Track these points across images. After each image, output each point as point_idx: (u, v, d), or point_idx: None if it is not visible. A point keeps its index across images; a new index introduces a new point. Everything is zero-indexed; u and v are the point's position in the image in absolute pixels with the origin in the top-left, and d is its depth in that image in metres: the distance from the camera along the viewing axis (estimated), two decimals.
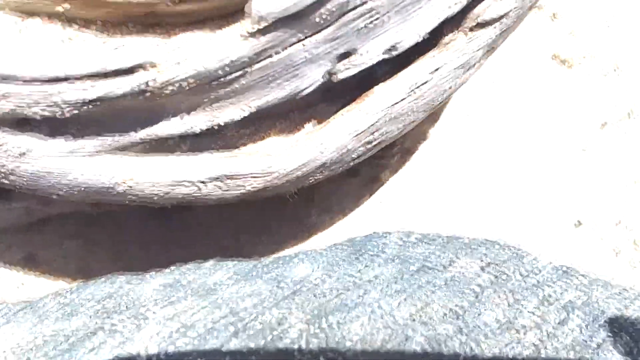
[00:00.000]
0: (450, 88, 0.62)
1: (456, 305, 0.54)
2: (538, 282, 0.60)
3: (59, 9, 0.51)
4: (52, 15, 0.52)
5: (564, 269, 0.64)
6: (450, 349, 0.47)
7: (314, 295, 0.52)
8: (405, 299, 0.53)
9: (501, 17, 0.55)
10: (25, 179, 0.54)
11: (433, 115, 1.05)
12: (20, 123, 0.50)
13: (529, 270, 0.61)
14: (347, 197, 0.98)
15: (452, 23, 0.57)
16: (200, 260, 0.69)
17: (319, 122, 0.62)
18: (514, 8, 0.55)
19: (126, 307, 0.55)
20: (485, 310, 0.54)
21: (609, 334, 0.55)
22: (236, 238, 0.94)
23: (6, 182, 0.56)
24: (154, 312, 0.52)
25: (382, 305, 0.51)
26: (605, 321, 0.57)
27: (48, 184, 0.55)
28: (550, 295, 0.58)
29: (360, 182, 0.98)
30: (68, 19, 0.52)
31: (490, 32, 0.57)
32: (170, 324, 0.49)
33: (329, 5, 0.47)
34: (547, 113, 1.03)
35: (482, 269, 0.61)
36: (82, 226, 0.94)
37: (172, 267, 0.66)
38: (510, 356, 0.50)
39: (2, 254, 0.91)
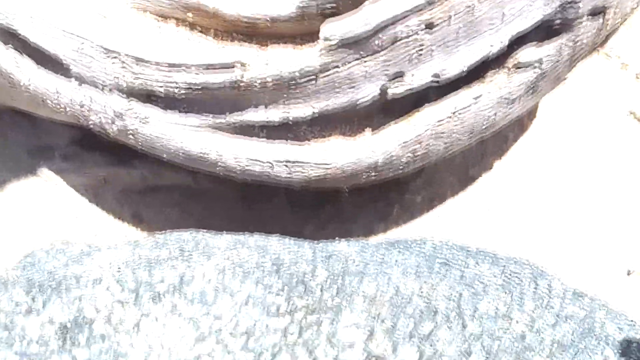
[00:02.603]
0: (494, 116, 0.72)
1: (461, 290, 0.64)
2: (545, 293, 0.68)
3: (189, 15, 0.68)
4: (180, 21, 0.69)
5: (578, 291, 0.72)
6: (443, 315, 0.57)
7: (342, 261, 0.65)
8: (415, 279, 0.64)
9: (538, 61, 0.65)
10: (144, 139, 0.72)
11: (500, 149, 1.14)
12: (146, 96, 0.68)
13: (541, 284, 0.69)
14: (406, 210, 1.08)
15: (496, 62, 0.68)
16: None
17: (375, 130, 0.75)
18: (548, 55, 0.65)
19: (201, 247, 0.70)
20: (486, 299, 0.63)
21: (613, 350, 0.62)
22: (302, 228, 1.08)
23: (132, 139, 0.74)
24: (219, 252, 0.67)
25: (393, 279, 0.63)
26: (604, 336, 0.64)
27: (160, 145, 0.72)
28: (551, 306, 0.66)
29: (421, 200, 1.08)
30: (192, 25, 0.70)
31: (529, 73, 0.67)
32: (226, 261, 0.64)
33: (381, 35, 0.60)
34: (615, 166, 1.07)
35: (500, 273, 0.70)
36: (182, 197, 1.12)
37: (241, 233, 0.81)
38: (498, 336, 0.59)
39: (117, 210, 1.11)
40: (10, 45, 0.72)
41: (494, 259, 0.76)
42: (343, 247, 0.72)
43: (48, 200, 1.12)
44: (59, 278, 0.62)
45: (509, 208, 1.05)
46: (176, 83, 0.64)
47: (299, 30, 0.68)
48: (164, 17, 0.70)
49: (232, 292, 0.57)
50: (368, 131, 0.75)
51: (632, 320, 0.70)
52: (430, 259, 0.72)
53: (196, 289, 0.57)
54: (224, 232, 0.80)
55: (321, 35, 0.60)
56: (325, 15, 0.65)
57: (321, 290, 0.57)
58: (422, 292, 0.60)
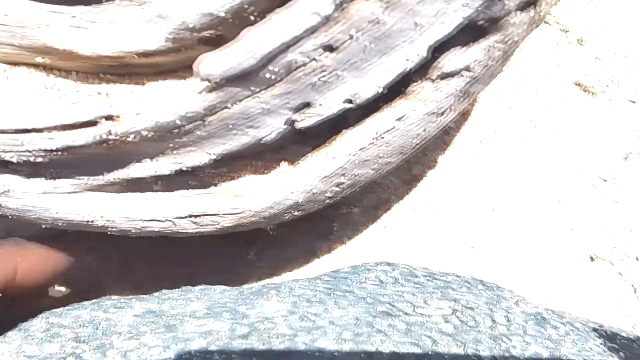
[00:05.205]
0: (424, 132, 0.62)
1: (407, 353, 0.55)
2: (503, 333, 0.59)
3: (38, 59, 0.55)
4: (32, 65, 0.56)
5: (541, 316, 0.63)
6: None
7: (266, 337, 0.54)
8: (354, 346, 0.54)
9: (465, 68, 0.55)
10: (12, 212, 0.59)
11: (443, 141, 1.05)
12: (1, 164, 0.55)
13: (499, 318, 0.61)
14: (349, 224, 0.99)
15: (418, 73, 0.57)
16: (189, 287, 0.72)
17: (291, 163, 0.63)
18: (478, 60, 0.54)
19: (101, 333, 0.59)
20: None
21: None
22: (236, 261, 0.97)
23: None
24: (117, 344, 0.56)
25: (325, 355, 0.53)
26: None
27: (33, 217, 0.60)
28: (513, 347, 0.58)
29: (365, 208, 0.99)
30: (47, 69, 0.56)
31: (458, 81, 0.57)
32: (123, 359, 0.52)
33: (273, 65, 0.49)
34: (565, 142, 1.00)
35: (451, 314, 0.61)
36: (98, 241, 0.99)
37: (157, 294, 0.70)
38: None
39: None
40: None
41: (443, 289, 0.67)
42: (271, 308, 0.62)
43: None
44: None
45: (460, 206, 0.96)
46: (29, 150, 0.51)
47: (177, 63, 0.55)
48: (14, 63, 0.56)
49: None
50: (284, 164, 0.64)
51: (600, 342, 0.62)
52: (373, 305, 0.63)
53: None
54: (135, 298, 0.69)
55: (196, 72, 0.48)
56: (207, 43, 0.53)
57: None
58: None
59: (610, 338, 0.63)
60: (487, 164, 0.99)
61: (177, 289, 0.71)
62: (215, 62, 0.48)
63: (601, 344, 0.61)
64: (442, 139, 1.05)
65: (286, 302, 0.63)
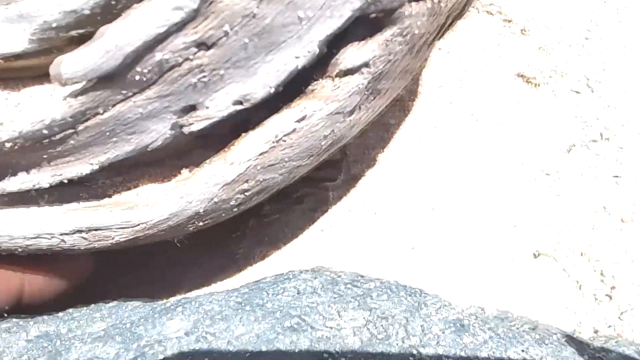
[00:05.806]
0: (332, 133, 0.58)
1: None
2: (416, 344, 0.56)
3: None
4: None
5: (461, 323, 0.60)
6: None
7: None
8: None
9: (364, 64, 0.51)
10: None
11: (383, 139, 1.01)
12: None
13: (413, 329, 0.57)
14: (286, 226, 0.95)
15: (318, 71, 0.53)
16: (101, 303, 0.68)
17: (191, 171, 0.59)
18: (377, 56, 0.50)
19: None
20: None
21: None
22: (168, 270, 0.92)
23: None
24: None
25: None
26: None
27: None
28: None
29: (303, 211, 0.95)
30: None
31: (359, 78, 0.53)
32: None
33: (140, 67, 0.44)
34: (507, 136, 0.97)
35: (363, 325, 0.58)
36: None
37: (61, 314, 0.66)
38: None
39: None
40: None
41: (362, 298, 0.63)
42: (172, 327, 0.58)
43: None
44: None
45: (399, 206, 0.93)
46: None
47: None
48: None
49: None
50: (185, 172, 0.60)
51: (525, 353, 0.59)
52: (280, 320, 0.59)
53: None
54: (38, 318, 0.65)
55: (52, 76, 0.43)
56: (79, 42, 0.48)
57: None
58: None
59: (539, 341, 0.60)
60: (426, 161, 0.96)
61: (86, 307, 0.66)
62: (71, 65, 0.43)
63: (522, 351, 0.57)
64: (382, 136, 1.01)
65: (189, 320, 0.59)
